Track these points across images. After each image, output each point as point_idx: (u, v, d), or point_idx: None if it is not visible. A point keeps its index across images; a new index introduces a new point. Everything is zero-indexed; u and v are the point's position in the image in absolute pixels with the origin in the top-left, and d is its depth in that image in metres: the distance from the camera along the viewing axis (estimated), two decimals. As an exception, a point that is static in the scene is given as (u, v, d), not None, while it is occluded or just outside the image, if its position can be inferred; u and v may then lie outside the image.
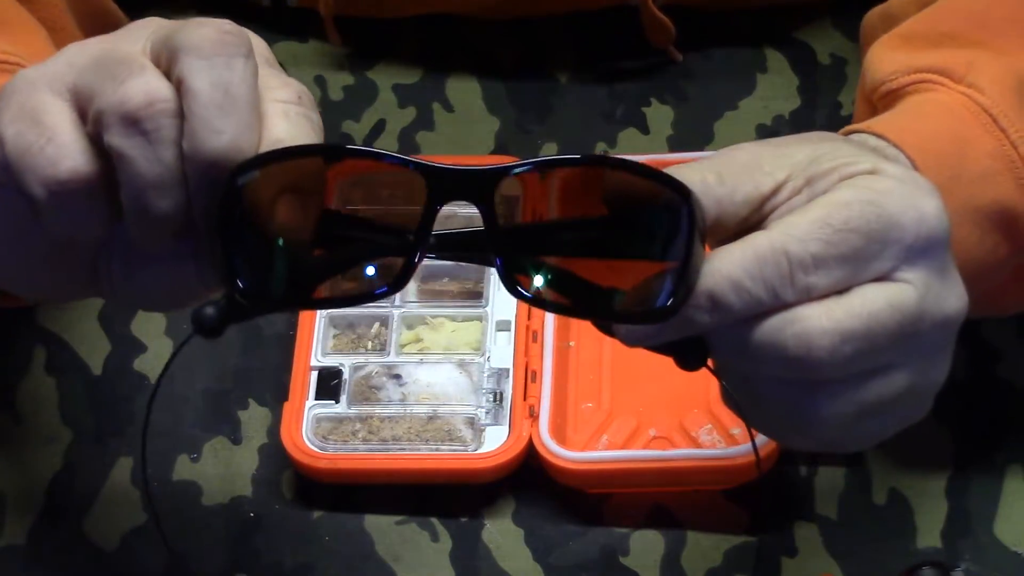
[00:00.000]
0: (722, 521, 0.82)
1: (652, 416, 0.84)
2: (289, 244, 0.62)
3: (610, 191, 0.62)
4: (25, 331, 0.89)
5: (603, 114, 0.98)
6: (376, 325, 0.88)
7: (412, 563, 0.81)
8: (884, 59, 0.78)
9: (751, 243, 0.61)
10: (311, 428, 0.84)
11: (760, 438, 0.80)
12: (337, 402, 0.85)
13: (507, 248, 0.61)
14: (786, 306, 0.60)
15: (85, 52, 0.63)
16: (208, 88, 0.60)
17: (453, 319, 0.88)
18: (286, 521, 0.83)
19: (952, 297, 0.63)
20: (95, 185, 0.61)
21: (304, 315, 0.87)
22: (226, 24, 0.61)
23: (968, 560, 0.80)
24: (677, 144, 0.97)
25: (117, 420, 0.86)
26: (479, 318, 0.88)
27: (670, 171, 0.61)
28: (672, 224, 0.60)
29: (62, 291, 0.69)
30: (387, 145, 0.97)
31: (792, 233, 0.61)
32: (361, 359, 0.87)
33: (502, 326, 0.87)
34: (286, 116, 0.62)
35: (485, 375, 0.85)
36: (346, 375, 0.86)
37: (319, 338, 0.87)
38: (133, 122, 0.60)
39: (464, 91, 0.99)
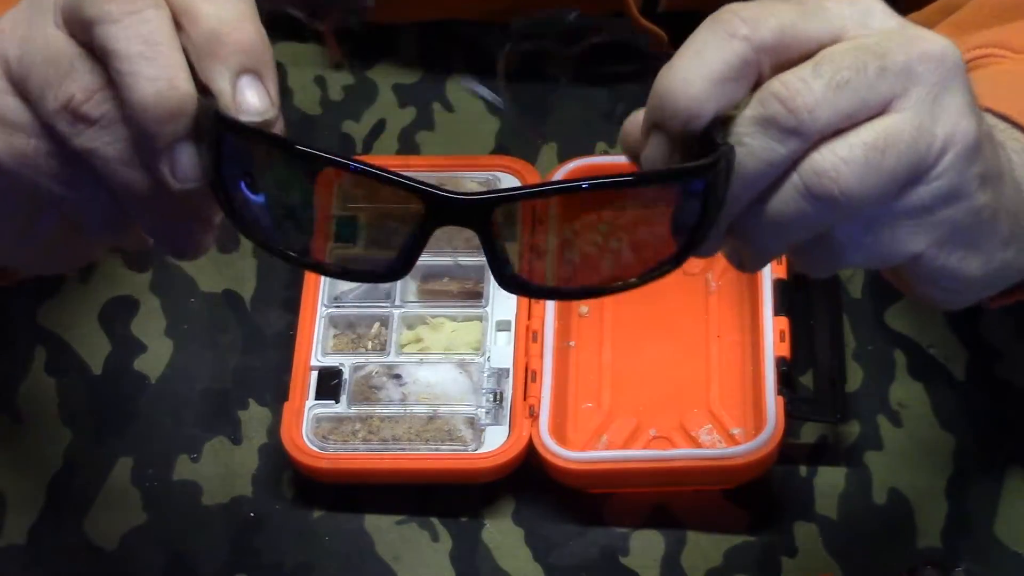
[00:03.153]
0: (722, 521, 0.82)
1: (652, 416, 0.84)
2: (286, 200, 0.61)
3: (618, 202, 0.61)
4: (25, 331, 0.89)
5: (603, 114, 0.98)
6: (376, 325, 0.88)
7: (412, 563, 0.81)
8: None
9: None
10: (311, 428, 0.84)
11: (757, 440, 0.80)
12: (337, 402, 0.85)
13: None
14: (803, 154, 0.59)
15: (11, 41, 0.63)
16: (126, 46, 0.60)
17: (453, 319, 0.88)
18: (286, 521, 0.83)
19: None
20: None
21: (304, 315, 0.87)
22: None
23: (968, 560, 0.80)
24: (677, 144, 0.96)
25: (117, 420, 0.86)
26: (479, 318, 0.88)
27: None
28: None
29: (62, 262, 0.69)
30: (387, 145, 0.96)
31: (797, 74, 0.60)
32: (361, 359, 0.87)
33: (502, 326, 0.87)
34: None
35: (485, 375, 0.85)
36: (346, 375, 0.86)
37: (319, 338, 0.87)
38: (82, 118, 0.61)
39: (464, 91, 0.99)
